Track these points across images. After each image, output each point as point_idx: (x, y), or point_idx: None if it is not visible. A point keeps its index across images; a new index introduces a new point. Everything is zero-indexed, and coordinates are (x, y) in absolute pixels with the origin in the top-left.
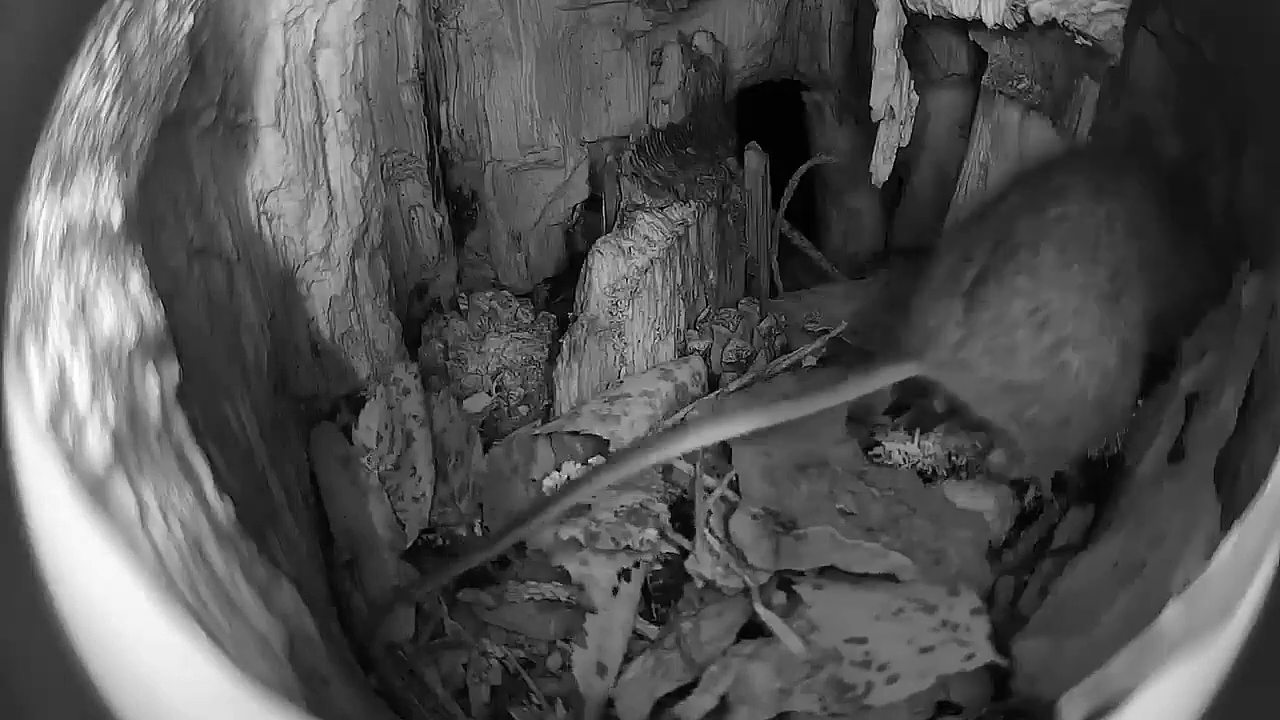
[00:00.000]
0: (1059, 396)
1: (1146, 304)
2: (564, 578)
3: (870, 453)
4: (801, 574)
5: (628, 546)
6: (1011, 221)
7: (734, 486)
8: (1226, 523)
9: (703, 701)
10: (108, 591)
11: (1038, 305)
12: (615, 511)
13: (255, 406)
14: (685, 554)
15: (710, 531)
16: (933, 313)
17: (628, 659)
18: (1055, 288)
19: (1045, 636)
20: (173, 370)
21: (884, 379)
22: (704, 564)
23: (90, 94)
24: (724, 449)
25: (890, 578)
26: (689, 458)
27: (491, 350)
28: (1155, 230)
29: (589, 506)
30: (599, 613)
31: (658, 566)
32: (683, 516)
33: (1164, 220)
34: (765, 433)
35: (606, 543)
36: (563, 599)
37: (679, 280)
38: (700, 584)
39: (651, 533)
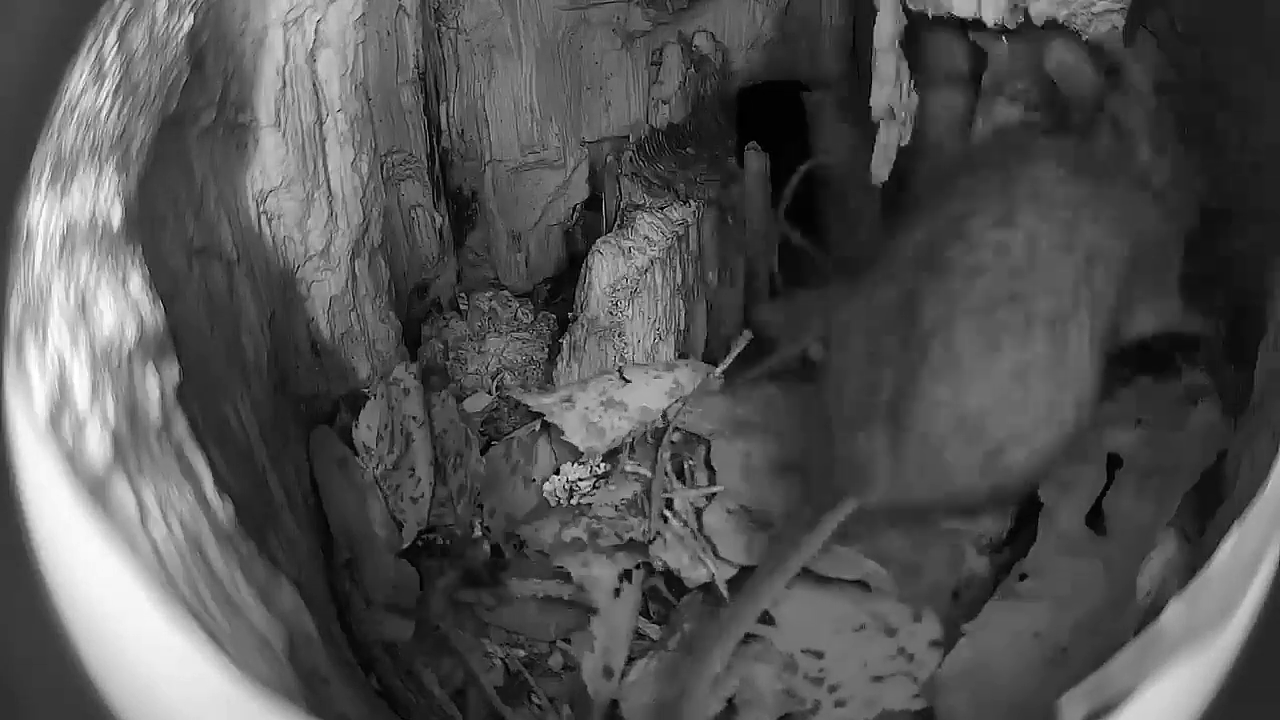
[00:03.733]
0: (1004, 488)
1: (1104, 326)
2: (566, 577)
3: None
4: None
5: (631, 540)
6: (912, 302)
7: (712, 481)
8: (1225, 524)
9: (709, 704)
10: (108, 591)
11: (963, 415)
12: (615, 506)
13: (255, 406)
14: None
15: (677, 517)
16: (855, 445)
17: (631, 660)
18: (978, 384)
19: (967, 693)
20: (173, 370)
21: (830, 524)
22: (670, 551)
23: (90, 94)
24: (703, 444)
25: (863, 585)
26: (658, 446)
27: (491, 350)
28: (1097, 230)
29: (589, 505)
30: (601, 614)
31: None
32: None
33: (1106, 215)
34: (746, 434)
35: (610, 538)
36: (565, 596)
37: (679, 280)
38: (659, 566)
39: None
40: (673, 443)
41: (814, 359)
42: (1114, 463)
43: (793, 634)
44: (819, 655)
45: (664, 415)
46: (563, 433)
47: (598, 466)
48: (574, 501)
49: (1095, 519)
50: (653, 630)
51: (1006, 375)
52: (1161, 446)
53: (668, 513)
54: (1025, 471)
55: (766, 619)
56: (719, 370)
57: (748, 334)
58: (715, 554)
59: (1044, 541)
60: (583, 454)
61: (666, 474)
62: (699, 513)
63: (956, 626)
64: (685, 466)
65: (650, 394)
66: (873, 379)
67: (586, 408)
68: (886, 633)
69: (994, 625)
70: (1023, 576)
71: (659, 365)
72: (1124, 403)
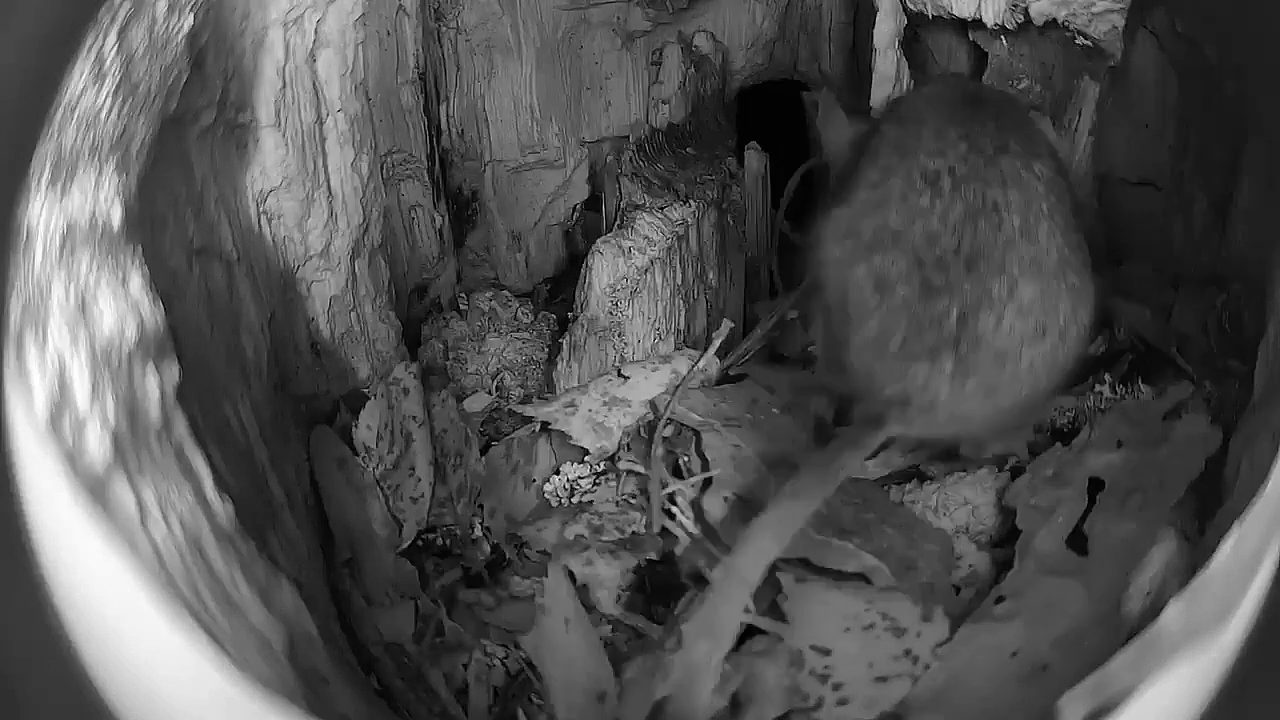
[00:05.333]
0: (1029, 396)
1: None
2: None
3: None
4: (785, 562)
5: (634, 533)
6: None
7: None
8: (1225, 524)
9: (714, 701)
10: (108, 591)
11: (1021, 311)
12: (616, 502)
13: (255, 406)
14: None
15: (681, 513)
16: (911, 377)
17: (627, 659)
18: (1033, 285)
19: (939, 714)
20: (173, 370)
21: (870, 447)
22: (693, 553)
23: (90, 94)
24: (693, 435)
25: (863, 579)
26: (651, 441)
27: (491, 350)
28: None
29: (590, 502)
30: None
31: (659, 566)
32: None
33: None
34: (736, 429)
35: (612, 533)
36: None
37: (679, 280)
38: (686, 568)
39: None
40: (665, 439)
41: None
42: (1095, 485)
43: (803, 630)
44: (826, 652)
45: (653, 406)
46: (570, 437)
47: (597, 465)
48: (575, 500)
49: (1076, 540)
50: (652, 630)
51: (1050, 270)
52: (1144, 465)
53: (674, 508)
54: (1043, 376)
55: (779, 615)
56: (702, 361)
57: (728, 323)
58: (718, 541)
59: (1022, 566)
60: (591, 453)
61: (665, 469)
62: (697, 503)
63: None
64: (680, 463)
65: (651, 387)
66: (934, 310)
67: (590, 410)
68: (894, 633)
69: (970, 646)
70: (999, 600)
71: (655, 358)
72: (1104, 426)
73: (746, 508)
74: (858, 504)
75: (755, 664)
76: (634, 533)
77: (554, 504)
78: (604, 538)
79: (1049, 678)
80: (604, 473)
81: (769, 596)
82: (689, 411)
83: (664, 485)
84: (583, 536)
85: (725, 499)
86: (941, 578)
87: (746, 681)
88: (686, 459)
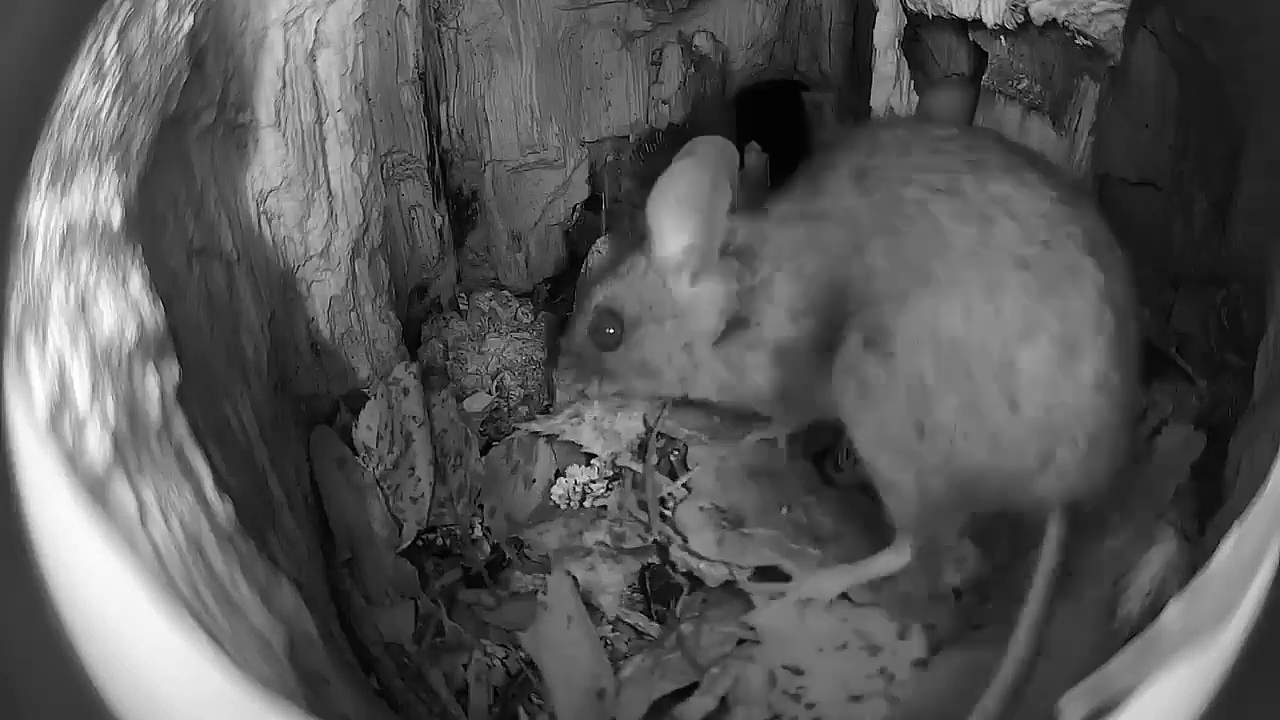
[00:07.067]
0: None
1: None
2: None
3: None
4: (756, 572)
5: (655, 541)
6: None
7: (687, 485)
8: (1225, 524)
9: (703, 703)
10: (108, 591)
11: None
12: (634, 504)
13: (255, 406)
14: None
15: (673, 514)
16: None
17: (626, 658)
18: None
19: None
20: (173, 370)
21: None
22: (686, 553)
23: (90, 94)
24: (681, 446)
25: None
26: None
27: (491, 350)
28: None
29: (604, 508)
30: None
31: (659, 568)
32: None
33: None
34: (722, 439)
35: (634, 540)
36: None
37: None
38: (683, 570)
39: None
40: (659, 449)
41: None
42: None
43: (774, 649)
44: (799, 672)
45: (645, 420)
46: (581, 446)
47: (606, 469)
48: (587, 504)
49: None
50: (652, 629)
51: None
52: (1127, 486)
53: (666, 511)
54: None
55: (750, 629)
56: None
57: None
58: (685, 545)
59: (998, 598)
60: (594, 455)
61: (663, 473)
62: (675, 506)
63: (951, 633)
64: (670, 460)
65: None
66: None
67: (596, 417)
68: (869, 652)
69: (946, 667)
70: (976, 626)
71: None
72: None
73: (724, 518)
74: (840, 512)
75: (745, 669)
76: (655, 540)
77: (563, 507)
78: (626, 545)
79: (1030, 693)
80: (615, 477)
81: (739, 614)
82: (678, 425)
83: (659, 491)
84: (604, 544)
85: (701, 509)
86: (920, 589)
87: (735, 685)
88: (675, 456)
